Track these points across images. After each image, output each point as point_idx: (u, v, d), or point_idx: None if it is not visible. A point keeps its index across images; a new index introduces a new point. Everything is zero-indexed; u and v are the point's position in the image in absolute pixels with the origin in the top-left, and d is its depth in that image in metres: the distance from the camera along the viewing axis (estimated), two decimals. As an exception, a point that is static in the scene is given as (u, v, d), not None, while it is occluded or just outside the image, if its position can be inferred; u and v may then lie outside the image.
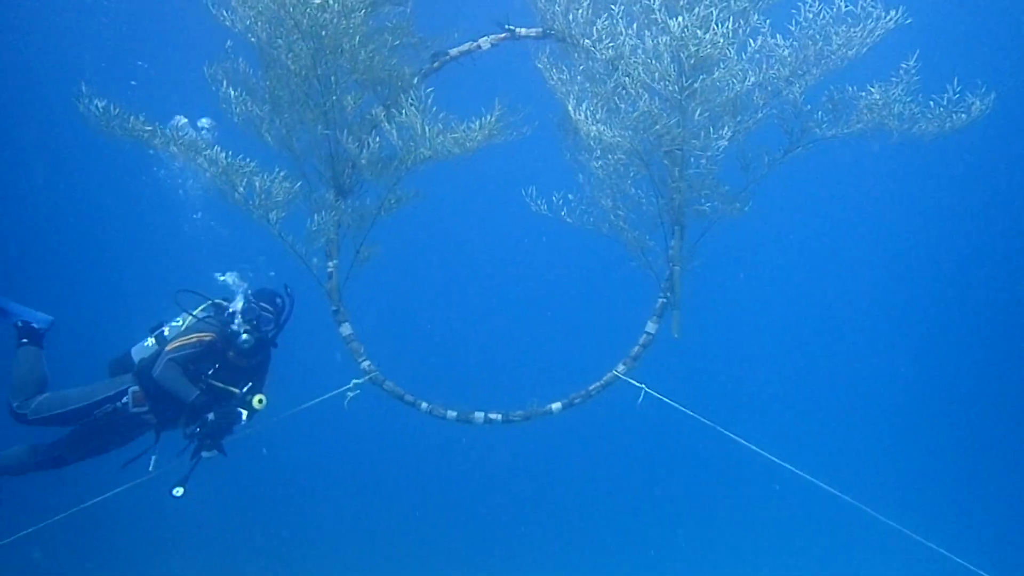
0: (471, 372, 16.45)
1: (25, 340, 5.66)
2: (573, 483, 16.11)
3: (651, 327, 6.47)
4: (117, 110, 5.77)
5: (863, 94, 5.70)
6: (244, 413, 5.43)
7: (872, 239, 17.28)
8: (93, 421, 5.43)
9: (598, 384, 6.48)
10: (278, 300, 5.80)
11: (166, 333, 5.55)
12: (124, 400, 5.39)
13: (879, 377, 17.33)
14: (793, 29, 5.60)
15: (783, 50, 5.63)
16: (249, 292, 5.77)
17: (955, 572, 6.06)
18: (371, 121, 6.20)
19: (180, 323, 5.58)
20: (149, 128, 5.89)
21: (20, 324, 5.75)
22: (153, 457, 5.55)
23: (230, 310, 5.58)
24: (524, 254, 16.87)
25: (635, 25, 5.69)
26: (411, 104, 5.89)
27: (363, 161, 6.22)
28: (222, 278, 6.07)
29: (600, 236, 6.40)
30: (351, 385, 6.43)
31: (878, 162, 14.87)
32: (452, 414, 6.50)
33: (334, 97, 6.04)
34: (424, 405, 6.48)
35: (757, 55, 5.64)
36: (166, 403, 5.37)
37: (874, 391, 17.24)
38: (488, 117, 5.81)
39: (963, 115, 5.47)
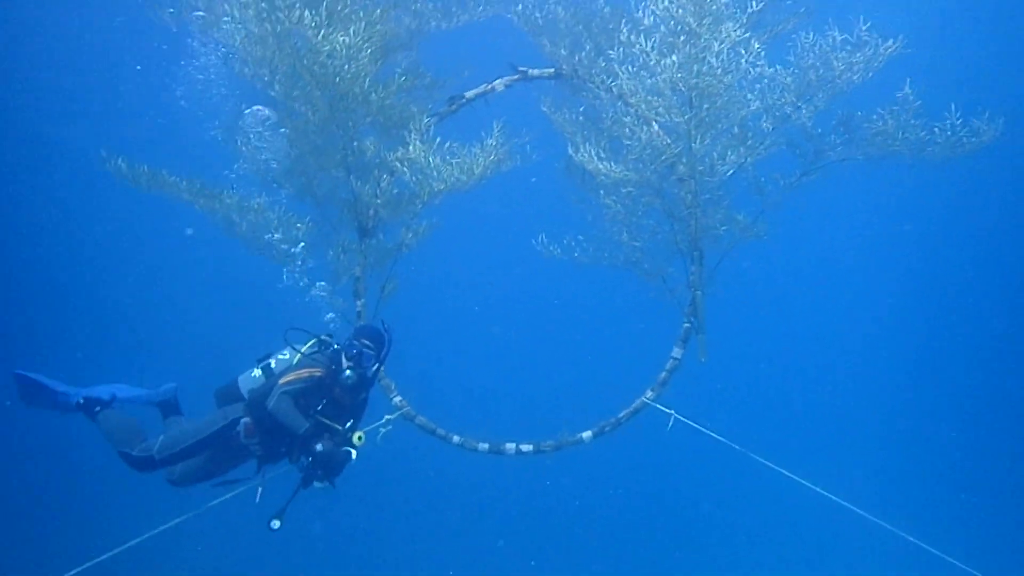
0: (500, 403, 16.45)
1: (98, 409, 5.72)
2: (606, 510, 15.97)
3: (677, 352, 6.45)
4: (145, 168, 6.02)
5: (874, 117, 5.67)
6: (353, 453, 5.48)
7: (895, 260, 17.04)
8: (212, 452, 5.50)
9: (627, 411, 6.47)
10: (380, 338, 5.77)
11: (272, 365, 5.61)
12: (236, 430, 5.45)
13: (900, 391, 16.99)
14: (792, 58, 5.60)
15: (785, 77, 5.62)
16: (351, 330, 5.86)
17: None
18: (386, 163, 6.33)
19: (287, 356, 5.62)
20: (172, 180, 6.13)
21: (81, 401, 5.81)
22: (260, 489, 5.61)
23: (335, 347, 5.67)
24: (550, 287, 16.91)
25: (631, 67, 5.71)
26: (415, 138, 6.01)
27: (379, 201, 6.37)
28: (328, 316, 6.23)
29: (619, 268, 6.45)
30: (383, 421, 6.52)
31: (898, 183, 14.69)
32: (484, 446, 6.53)
33: (355, 143, 6.20)
34: (456, 438, 6.54)
35: (758, 84, 5.64)
36: (276, 435, 5.41)
37: (895, 405, 16.90)
38: (490, 140, 5.86)
39: (972, 140, 5.40)
